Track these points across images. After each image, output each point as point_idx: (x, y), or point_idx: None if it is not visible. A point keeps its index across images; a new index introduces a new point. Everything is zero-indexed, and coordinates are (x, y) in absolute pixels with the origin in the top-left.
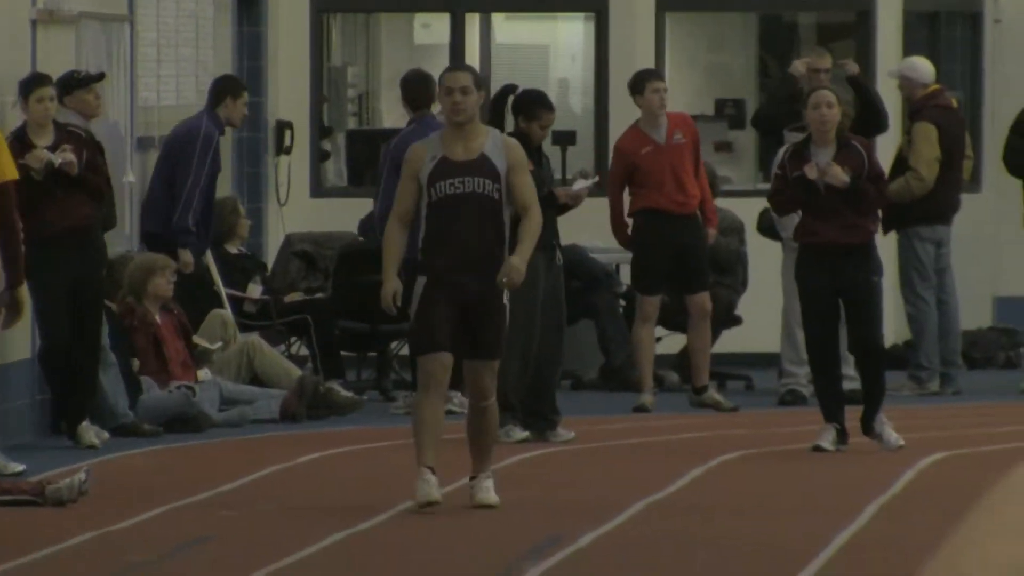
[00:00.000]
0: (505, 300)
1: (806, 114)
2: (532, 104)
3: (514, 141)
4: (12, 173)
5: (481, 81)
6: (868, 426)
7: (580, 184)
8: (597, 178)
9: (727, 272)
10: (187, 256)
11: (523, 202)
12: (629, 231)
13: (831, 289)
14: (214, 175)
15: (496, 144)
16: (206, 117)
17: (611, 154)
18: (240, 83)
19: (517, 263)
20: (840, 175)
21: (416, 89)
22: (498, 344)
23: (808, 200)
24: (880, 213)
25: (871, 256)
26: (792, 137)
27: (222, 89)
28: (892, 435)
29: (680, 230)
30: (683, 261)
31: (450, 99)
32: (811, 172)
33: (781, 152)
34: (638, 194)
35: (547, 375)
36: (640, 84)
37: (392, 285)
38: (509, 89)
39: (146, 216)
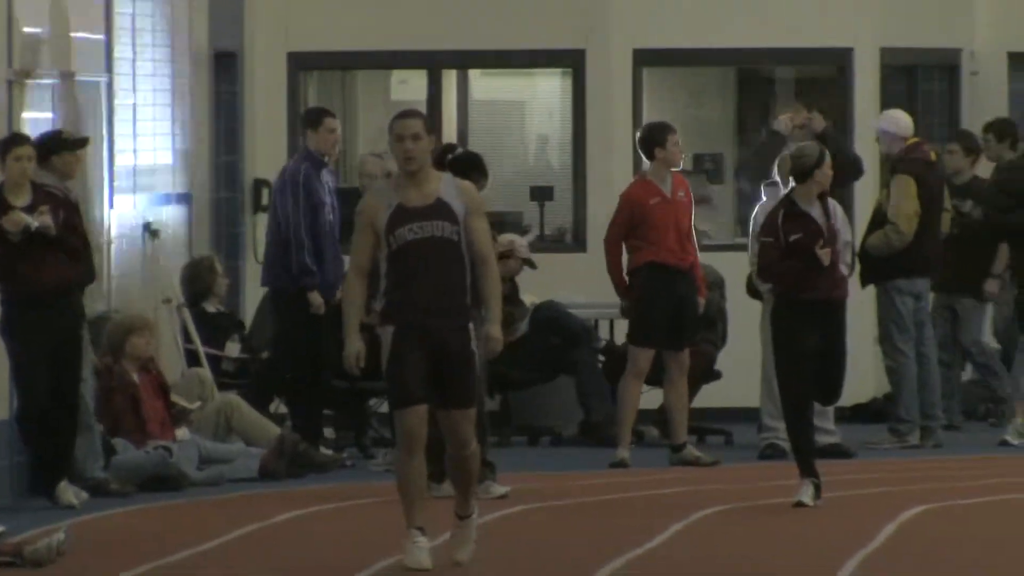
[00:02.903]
0: (474, 347)
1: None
2: (466, 168)
3: (469, 184)
4: None
5: (431, 126)
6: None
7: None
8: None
9: (709, 327)
10: (315, 298)
11: (480, 251)
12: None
13: (816, 344)
14: (316, 208)
15: (451, 187)
16: (296, 156)
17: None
18: (316, 111)
19: (493, 333)
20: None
21: None
22: (471, 391)
23: (810, 271)
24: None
25: (844, 310)
26: (770, 192)
27: (302, 122)
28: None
29: (680, 284)
30: (679, 316)
31: (401, 146)
32: (826, 259)
33: (757, 208)
34: (640, 248)
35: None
36: (662, 137)
37: (354, 346)
38: (449, 148)
39: (267, 274)
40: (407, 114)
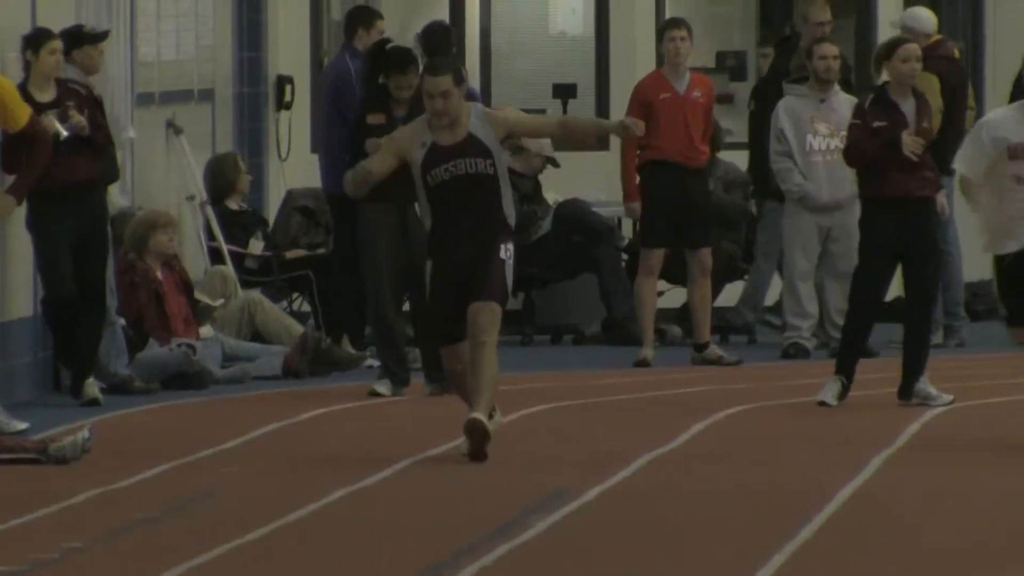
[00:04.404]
0: (503, 255)
1: (818, 64)
2: (389, 63)
3: (492, 112)
4: (25, 117)
5: (462, 76)
6: (908, 391)
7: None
8: None
9: (732, 227)
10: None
11: (549, 128)
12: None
13: (899, 240)
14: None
15: (479, 119)
16: (343, 54)
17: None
18: (372, 12)
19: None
20: (918, 146)
21: (434, 40)
22: (491, 287)
23: (890, 153)
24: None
25: (935, 208)
26: (792, 89)
27: (354, 20)
28: (935, 392)
29: (687, 183)
30: (687, 215)
31: (431, 103)
32: (910, 147)
33: (779, 107)
34: (648, 145)
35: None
36: (662, 31)
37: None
38: (383, 42)
39: (325, 180)
40: (437, 70)
